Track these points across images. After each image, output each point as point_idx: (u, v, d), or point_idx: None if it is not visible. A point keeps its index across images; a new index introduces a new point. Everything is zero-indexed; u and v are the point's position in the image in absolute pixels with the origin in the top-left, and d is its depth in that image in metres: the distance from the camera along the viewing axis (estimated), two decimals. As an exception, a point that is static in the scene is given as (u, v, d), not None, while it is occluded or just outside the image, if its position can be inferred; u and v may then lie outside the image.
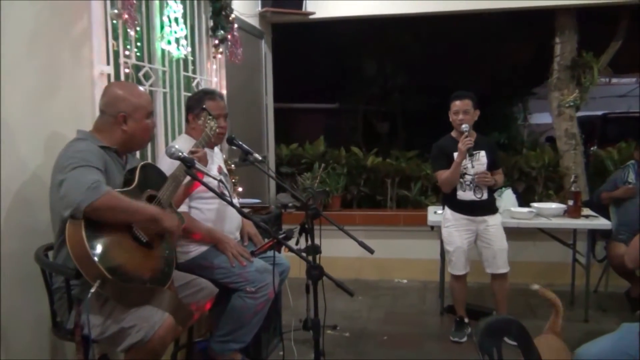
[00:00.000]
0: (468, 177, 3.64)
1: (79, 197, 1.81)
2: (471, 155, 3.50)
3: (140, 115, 2.18)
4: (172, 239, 2.16)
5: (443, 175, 3.66)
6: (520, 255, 4.55)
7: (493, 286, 3.76)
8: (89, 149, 2.02)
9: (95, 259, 1.81)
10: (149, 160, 3.07)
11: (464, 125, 3.54)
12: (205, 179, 2.24)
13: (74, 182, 1.85)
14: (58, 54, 2.38)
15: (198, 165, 2.14)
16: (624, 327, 2.19)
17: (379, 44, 9.01)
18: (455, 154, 3.58)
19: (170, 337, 2.03)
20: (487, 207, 3.70)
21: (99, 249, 1.84)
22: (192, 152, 2.29)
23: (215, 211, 2.73)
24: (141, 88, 2.33)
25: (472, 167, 3.61)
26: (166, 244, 2.15)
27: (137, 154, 2.87)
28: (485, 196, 3.66)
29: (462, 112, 3.58)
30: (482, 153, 3.64)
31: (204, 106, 2.63)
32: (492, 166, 3.69)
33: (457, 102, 3.60)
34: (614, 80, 10.00)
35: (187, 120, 2.86)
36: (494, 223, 3.68)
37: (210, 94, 2.86)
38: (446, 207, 3.80)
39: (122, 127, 2.16)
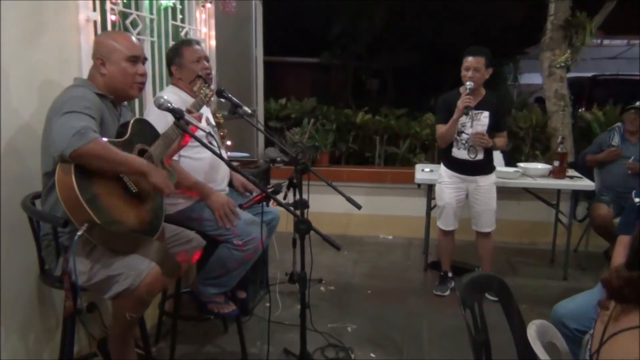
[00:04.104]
0: (465, 136, 3.59)
1: (64, 143, 1.79)
2: (466, 114, 3.48)
3: (117, 58, 2.13)
4: (161, 194, 2.14)
5: (440, 129, 3.63)
6: (505, 213, 4.61)
7: (477, 243, 3.83)
8: (84, 96, 1.99)
9: (84, 202, 1.81)
10: (137, 110, 3.04)
11: (468, 83, 3.46)
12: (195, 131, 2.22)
13: (62, 127, 1.83)
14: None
15: (187, 117, 2.12)
16: (601, 284, 2.26)
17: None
18: None
19: (157, 287, 2.05)
20: (480, 168, 3.67)
21: (88, 192, 1.84)
22: (188, 112, 2.28)
23: (206, 160, 2.73)
24: (132, 37, 2.25)
25: (471, 126, 3.57)
26: (156, 195, 2.15)
27: (132, 107, 2.84)
28: (479, 157, 3.61)
29: (473, 69, 3.47)
30: (485, 114, 3.56)
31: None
32: (494, 128, 3.60)
33: (470, 58, 3.49)
34: (606, 41, 9.94)
35: (170, 73, 2.85)
36: (484, 184, 3.67)
37: (186, 41, 2.90)
38: (442, 163, 3.81)
39: (101, 70, 2.13)
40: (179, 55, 2.76)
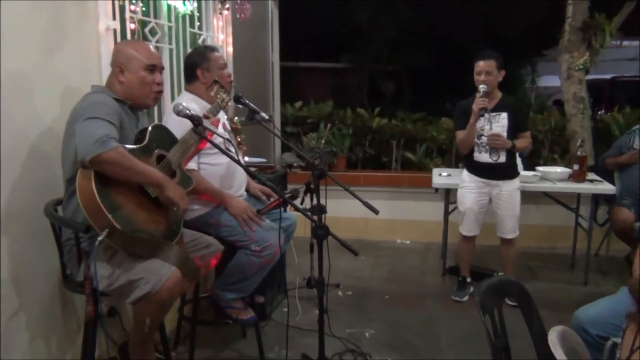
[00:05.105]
0: (484, 139, 3.57)
1: (85, 149, 1.83)
2: (482, 116, 3.47)
3: (135, 66, 2.16)
4: (179, 211, 2.11)
5: (460, 135, 3.64)
6: (524, 218, 4.54)
7: (500, 249, 3.80)
8: (104, 101, 2.03)
9: (104, 207, 1.84)
10: (156, 117, 3.08)
11: (481, 86, 3.47)
12: (213, 137, 2.24)
13: (84, 134, 1.86)
14: (63, 8, 2.35)
15: (205, 123, 2.14)
16: (623, 290, 2.23)
17: (387, 1, 8.86)
18: None
19: (178, 291, 2.07)
20: (503, 171, 3.62)
21: (108, 198, 1.87)
22: (205, 117, 2.31)
23: (223, 166, 2.74)
24: (150, 46, 2.29)
25: (490, 128, 3.55)
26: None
27: (151, 113, 2.88)
28: (502, 159, 3.57)
29: (485, 72, 3.48)
30: (504, 115, 3.54)
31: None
32: (515, 129, 3.57)
33: (481, 63, 3.50)
34: (625, 42, 9.83)
35: (191, 77, 2.81)
36: (508, 189, 3.62)
37: (209, 47, 2.89)
38: (464, 168, 3.79)
39: (119, 77, 2.17)
40: (207, 59, 2.75)
